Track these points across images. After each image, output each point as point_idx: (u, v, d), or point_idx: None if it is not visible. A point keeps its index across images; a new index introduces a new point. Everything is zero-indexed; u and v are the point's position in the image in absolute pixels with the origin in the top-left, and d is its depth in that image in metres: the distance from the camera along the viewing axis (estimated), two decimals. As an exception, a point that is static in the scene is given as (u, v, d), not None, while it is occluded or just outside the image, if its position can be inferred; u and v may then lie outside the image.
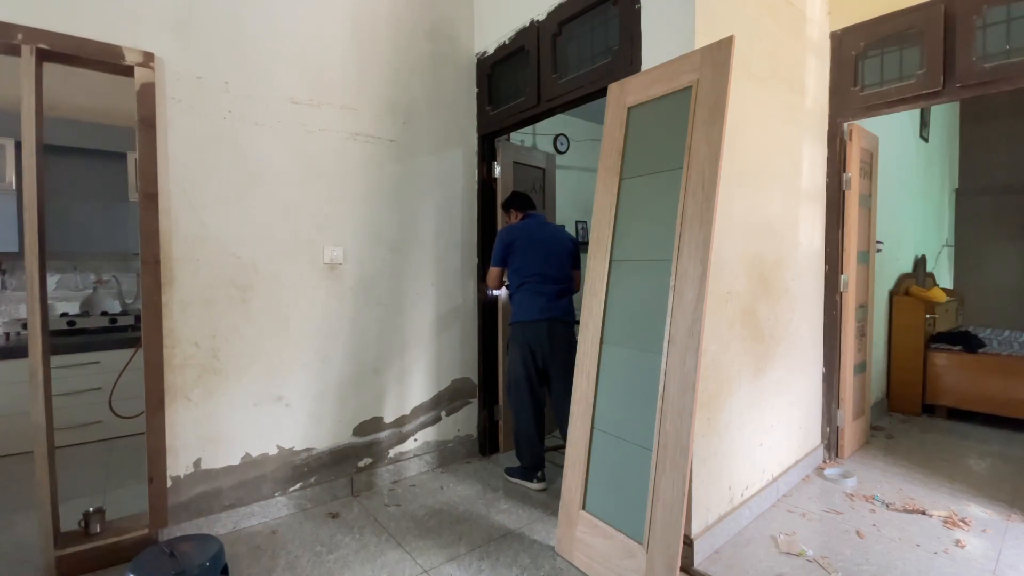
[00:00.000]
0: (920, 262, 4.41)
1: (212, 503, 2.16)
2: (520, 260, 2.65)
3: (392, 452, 2.70)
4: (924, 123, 4.46)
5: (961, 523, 2.19)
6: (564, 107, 2.49)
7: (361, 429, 2.58)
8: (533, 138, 4.74)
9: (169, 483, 2.05)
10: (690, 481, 1.81)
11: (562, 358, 2.57)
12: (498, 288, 2.88)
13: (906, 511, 2.31)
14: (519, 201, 2.81)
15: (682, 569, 1.82)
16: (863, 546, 2.04)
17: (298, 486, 2.39)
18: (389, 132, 2.64)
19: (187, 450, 2.10)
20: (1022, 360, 3.39)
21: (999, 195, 5.38)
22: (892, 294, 3.87)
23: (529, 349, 2.61)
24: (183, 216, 2.07)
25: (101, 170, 3.49)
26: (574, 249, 2.75)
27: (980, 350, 3.60)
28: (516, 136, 4.32)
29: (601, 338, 1.97)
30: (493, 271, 2.77)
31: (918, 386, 3.70)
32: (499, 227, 3.02)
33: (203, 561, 1.63)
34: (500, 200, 3.01)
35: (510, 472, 2.71)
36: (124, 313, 3.56)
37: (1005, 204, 5.34)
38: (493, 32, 2.85)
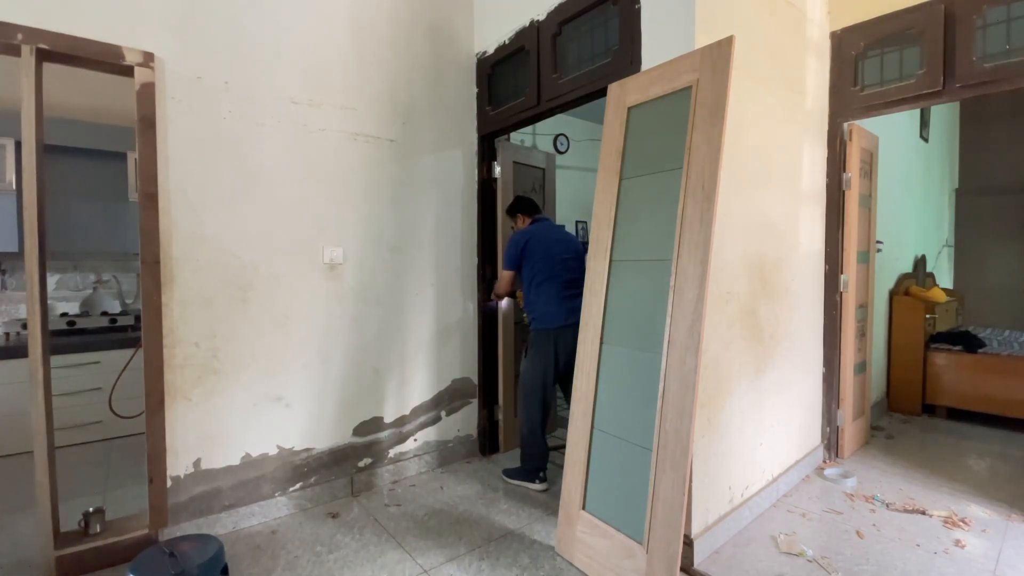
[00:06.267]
0: (920, 262, 4.41)
1: (212, 503, 2.16)
2: (537, 264, 2.58)
3: (392, 452, 2.70)
4: (924, 123, 4.46)
5: (961, 523, 2.19)
6: (564, 107, 2.49)
7: (361, 429, 2.58)
8: (533, 138, 4.74)
9: (169, 483, 2.05)
10: (690, 481, 1.80)
11: None
12: (508, 294, 2.78)
13: (906, 511, 2.31)
14: (526, 206, 2.75)
15: (682, 569, 1.82)
16: (863, 546, 2.04)
17: (298, 486, 2.39)
18: (389, 132, 2.64)
19: (187, 450, 2.10)
20: (1022, 360, 3.39)
21: (999, 195, 5.38)
22: (892, 294, 3.87)
23: (555, 355, 2.54)
24: (183, 216, 2.07)
25: (101, 170, 3.49)
26: (585, 252, 2.72)
27: (980, 350, 3.60)
28: (516, 136, 4.32)
29: (601, 338, 1.97)
30: (505, 275, 2.65)
31: (918, 386, 3.70)
32: (499, 227, 3.02)
33: (203, 561, 1.63)
34: (500, 202, 3.01)
35: (510, 474, 2.69)
36: (124, 313, 3.55)
37: (1005, 204, 5.34)
38: (493, 32, 2.85)
